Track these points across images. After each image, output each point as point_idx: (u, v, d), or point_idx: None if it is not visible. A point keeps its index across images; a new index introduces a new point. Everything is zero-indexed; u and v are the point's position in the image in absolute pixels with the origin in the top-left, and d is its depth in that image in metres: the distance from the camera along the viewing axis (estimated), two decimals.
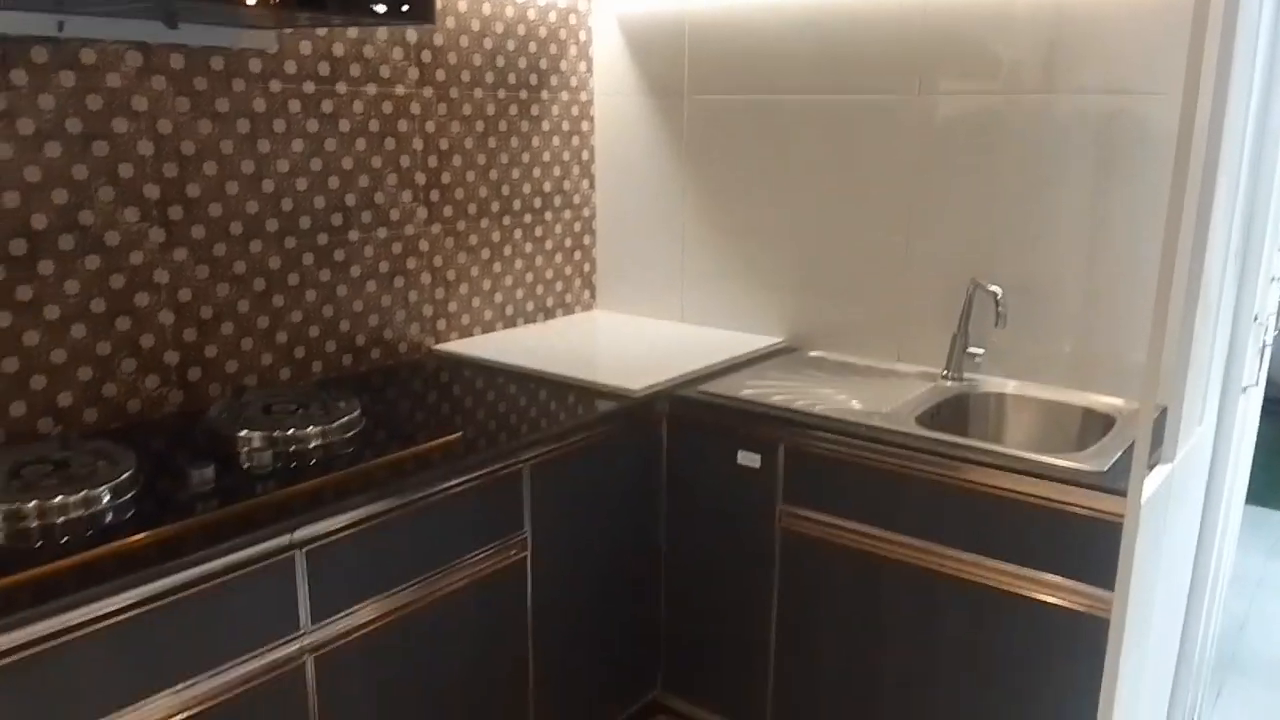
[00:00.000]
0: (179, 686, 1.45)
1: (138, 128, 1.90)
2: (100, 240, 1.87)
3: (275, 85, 2.11)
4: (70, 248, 1.82)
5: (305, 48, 2.16)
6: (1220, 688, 2.70)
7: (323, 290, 2.27)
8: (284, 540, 1.54)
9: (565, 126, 2.84)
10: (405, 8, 1.83)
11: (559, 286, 2.91)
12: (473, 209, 2.61)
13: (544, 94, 2.75)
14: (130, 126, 1.88)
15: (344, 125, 2.26)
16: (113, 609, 1.35)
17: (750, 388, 2.28)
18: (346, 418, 1.89)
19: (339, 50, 2.22)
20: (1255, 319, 2.13)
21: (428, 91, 2.44)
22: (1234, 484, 2.27)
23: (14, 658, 1.27)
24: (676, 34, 2.73)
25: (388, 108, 2.35)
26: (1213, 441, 2.18)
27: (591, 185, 2.95)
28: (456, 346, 2.57)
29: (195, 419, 1.95)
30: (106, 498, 1.52)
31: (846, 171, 2.50)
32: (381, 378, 2.34)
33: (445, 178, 2.52)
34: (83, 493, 1.50)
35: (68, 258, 1.82)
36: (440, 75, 2.46)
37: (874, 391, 2.26)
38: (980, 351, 2.32)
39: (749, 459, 2.18)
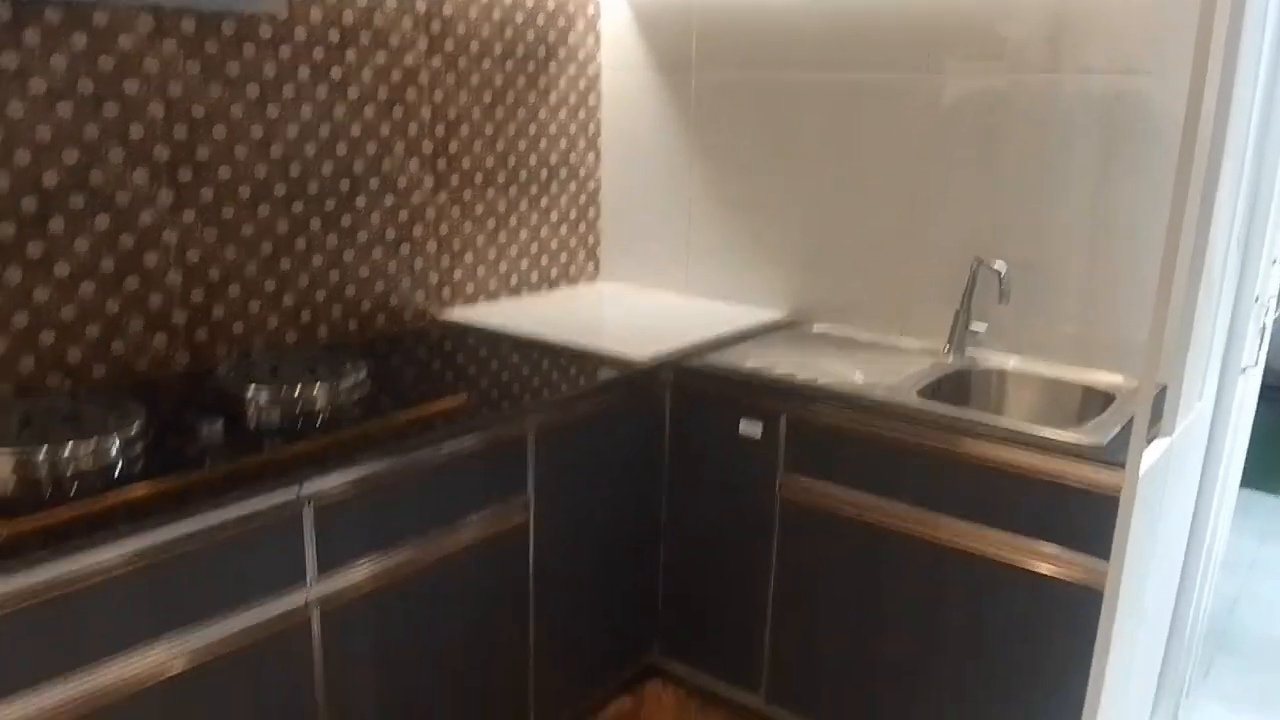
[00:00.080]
0: (188, 634, 1.48)
1: (148, 90, 1.90)
2: (110, 200, 1.88)
3: (285, 51, 2.12)
4: (80, 207, 1.84)
5: (315, 15, 2.16)
6: (1210, 666, 2.73)
7: (329, 256, 2.29)
8: (292, 494, 1.57)
9: (572, 99, 2.84)
10: None
11: (563, 257, 2.93)
12: (479, 178, 2.62)
13: (551, 66, 2.76)
14: (141, 88, 1.89)
15: (353, 93, 2.27)
16: (122, 556, 1.38)
17: (754, 359, 2.30)
18: (353, 379, 1.91)
19: (348, 18, 2.23)
20: (1256, 300, 2.15)
21: (436, 61, 2.44)
22: (1230, 462, 2.29)
23: (26, 603, 1.29)
24: (685, 9, 2.73)
25: (396, 76, 2.35)
26: (1210, 420, 2.21)
27: (597, 158, 2.96)
28: (461, 314, 2.58)
29: (202, 378, 1.97)
30: (117, 448, 1.54)
31: (853, 148, 2.51)
32: (387, 344, 2.36)
33: (452, 147, 2.53)
34: (93, 442, 1.52)
35: (78, 216, 1.84)
36: (449, 45, 2.47)
37: (877, 365, 2.28)
38: (983, 328, 2.33)
39: (751, 429, 2.20)
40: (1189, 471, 2.14)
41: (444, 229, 2.55)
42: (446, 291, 2.60)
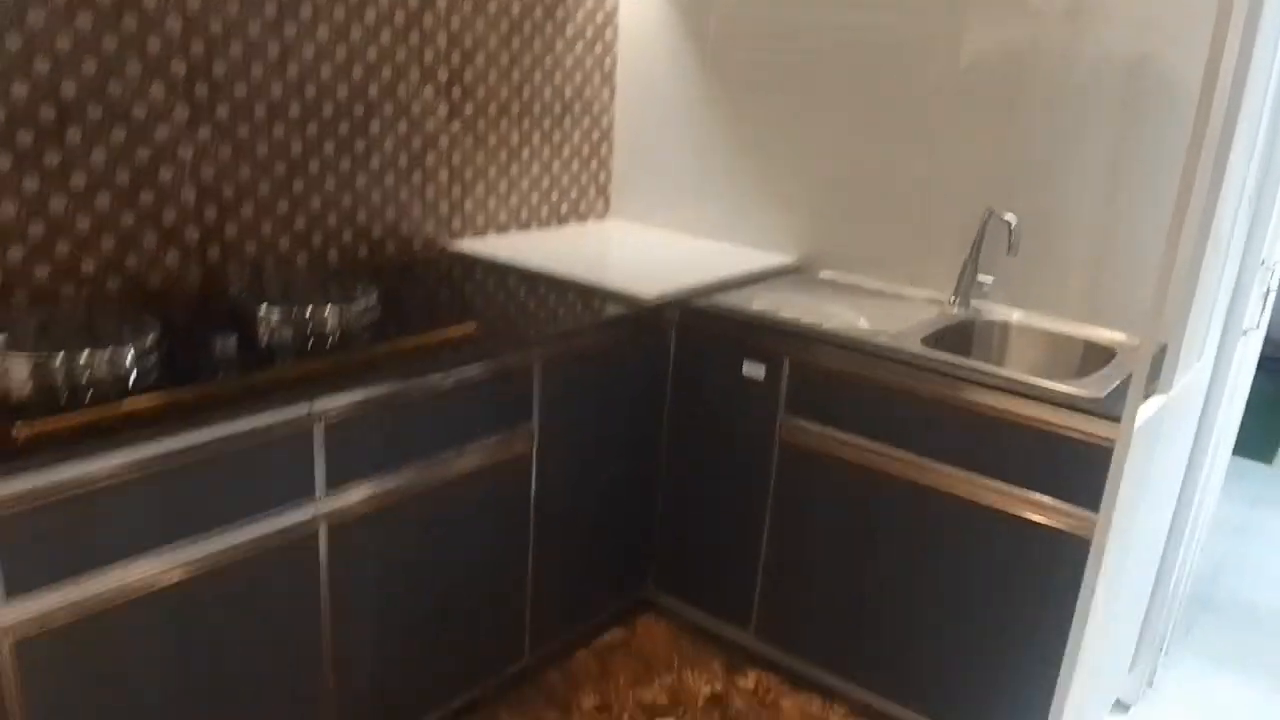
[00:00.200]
0: (198, 540, 1.52)
1: (167, 3, 1.89)
2: (127, 113, 1.88)
3: None
4: (98, 118, 1.84)
5: None
6: (1192, 625, 2.79)
7: (342, 179, 2.29)
8: (303, 410, 1.60)
9: (589, 33, 2.82)
10: None
11: (574, 193, 2.92)
12: (493, 109, 2.61)
13: None
14: (160, 1, 1.88)
15: (369, 16, 2.25)
16: (136, 462, 1.41)
17: (760, 302, 2.32)
18: (364, 303, 1.93)
19: None
20: (1263, 263, 2.16)
21: None
22: (1225, 424, 2.32)
23: (42, 501, 1.33)
24: None
25: (413, 1, 2.33)
26: (1209, 381, 2.23)
27: (612, 94, 2.94)
28: (471, 245, 2.59)
29: (215, 296, 1.99)
30: (131, 358, 1.57)
31: (870, 95, 2.49)
32: (396, 271, 2.38)
33: (468, 75, 2.51)
34: (109, 351, 1.54)
35: (95, 128, 1.84)
36: None
37: (882, 312, 2.29)
38: (989, 280, 2.35)
39: (754, 370, 2.22)
40: (1184, 430, 2.17)
41: (456, 158, 2.55)
42: (457, 222, 2.60)
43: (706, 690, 2.30)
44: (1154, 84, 2.11)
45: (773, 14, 2.62)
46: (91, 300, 1.88)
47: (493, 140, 2.63)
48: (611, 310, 2.21)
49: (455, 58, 2.47)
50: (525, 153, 2.73)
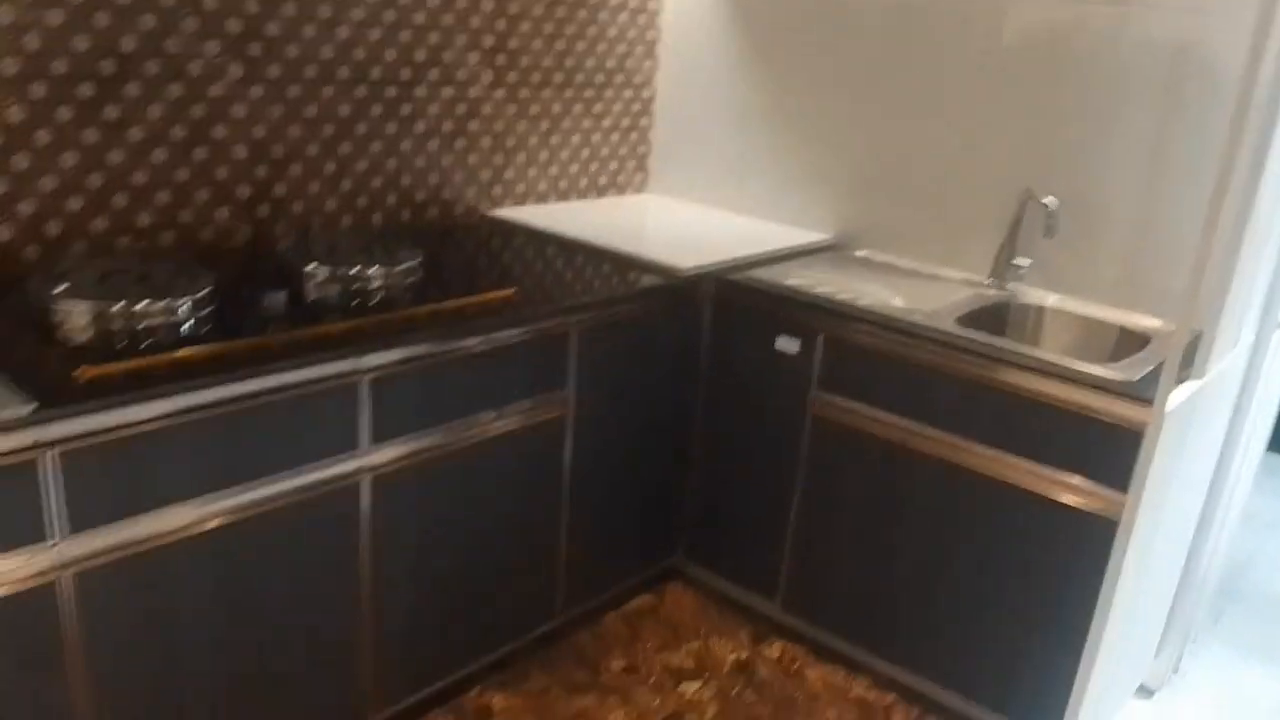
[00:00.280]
0: (246, 487, 1.57)
1: None
2: (183, 69, 1.92)
3: None
4: (155, 73, 1.88)
5: None
6: (1220, 615, 2.79)
7: (388, 143, 2.33)
8: (351, 366, 1.64)
9: (633, 3, 2.82)
10: None
11: (613, 165, 2.94)
12: (536, 78, 2.63)
13: None
14: None
15: None
16: (189, 407, 1.46)
17: (795, 278, 2.33)
18: (408, 264, 1.96)
19: None
20: None
21: None
22: (1259, 414, 2.31)
23: (99, 440, 1.38)
24: None
25: None
26: (1244, 370, 2.22)
27: (654, 66, 2.95)
28: (510, 213, 2.62)
29: (263, 253, 2.03)
30: (187, 309, 1.61)
31: (912, 73, 2.49)
32: (438, 235, 2.41)
33: (512, 43, 2.53)
34: (166, 302, 1.59)
35: (153, 83, 1.88)
36: None
37: (917, 292, 2.30)
38: (1026, 262, 2.35)
39: (788, 345, 2.24)
40: (1218, 417, 2.17)
41: (499, 126, 2.57)
42: (498, 190, 2.63)
43: (732, 658, 2.34)
44: (1197, 69, 2.09)
45: None
46: (147, 253, 1.92)
47: (535, 109, 2.65)
48: (647, 281, 2.24)
49: (500, 24, 2.49)
50: (566, 122, 2.75)
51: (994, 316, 2.29)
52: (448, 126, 2.45)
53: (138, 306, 1.57)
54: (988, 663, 2.08)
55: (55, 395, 1.33)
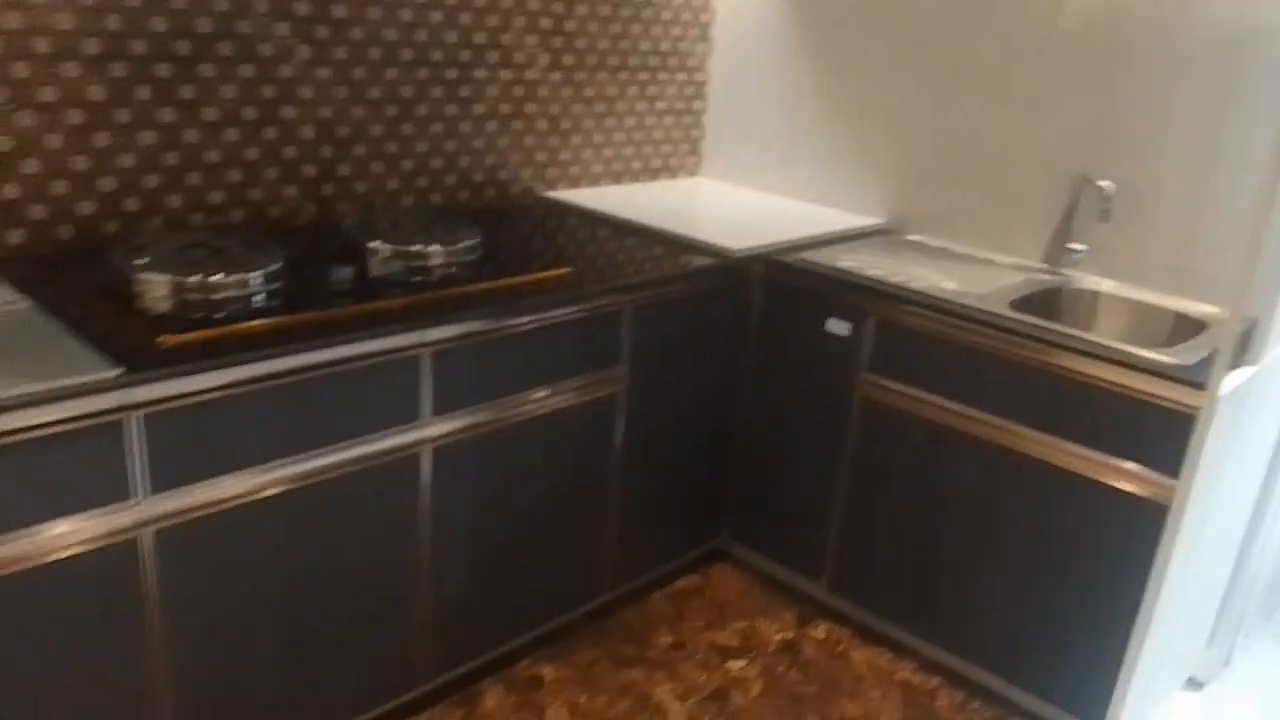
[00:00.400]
0: (313, 454, 1.63)
1: None
2: (255, 50, 1.98)
3: None
4: (229, 54, 1.95)
5: None
6: (1274, 610, 2.75)
7: (448, 124, 2.38)
8: (414, 339, 1.69)
9: None
10: None
11: (665, 149, 2.97)
12: (592, 60, 2.66)
13: None
14: None
15: None
16: (262, 375, 1.52)
17: (847, 260, 2.34)
18: (467, 243, 2.01)
19: None
20: None
21: None
22: None
23: (182, 405, 1.44)
24: None
25: None
26: None
27: (708, 50, 2.97)
28: (564, 195, 2.66)
29: (327, 231, 2.09)
30: (259, 282, 1.68)
31: (966, 56, 2.48)
32: (494, 216, 2.46)
33: (569, 25, 2.57)
34: (238, 275, 1.65)
35: (226, 64, 1.95)
36: None
37: (969, 276, 2.30)
38: (1081, 248, 2.34)
39: (839, 327, 2.26)
40: (1272, 406, 2.15)
41: (555, 109, 2.61)
42: (552, 172, 2.67)
43: (778, 638, 2.37)
44: (1259, 56, 2.06)
45: None
46: (218, 229, 1.99)
47: (590, 92, 2.69)
48: (699, 262, 2.26)
49: (558, 7, 2.52)
50: (620, 105, 2.78)
51: (1047, 301, 2.28)
52: (505, 108, 2.49)
53: (213, 279, 1.63)
54: (1034, 648, 2.09)
55: (139, 361, 1.39)
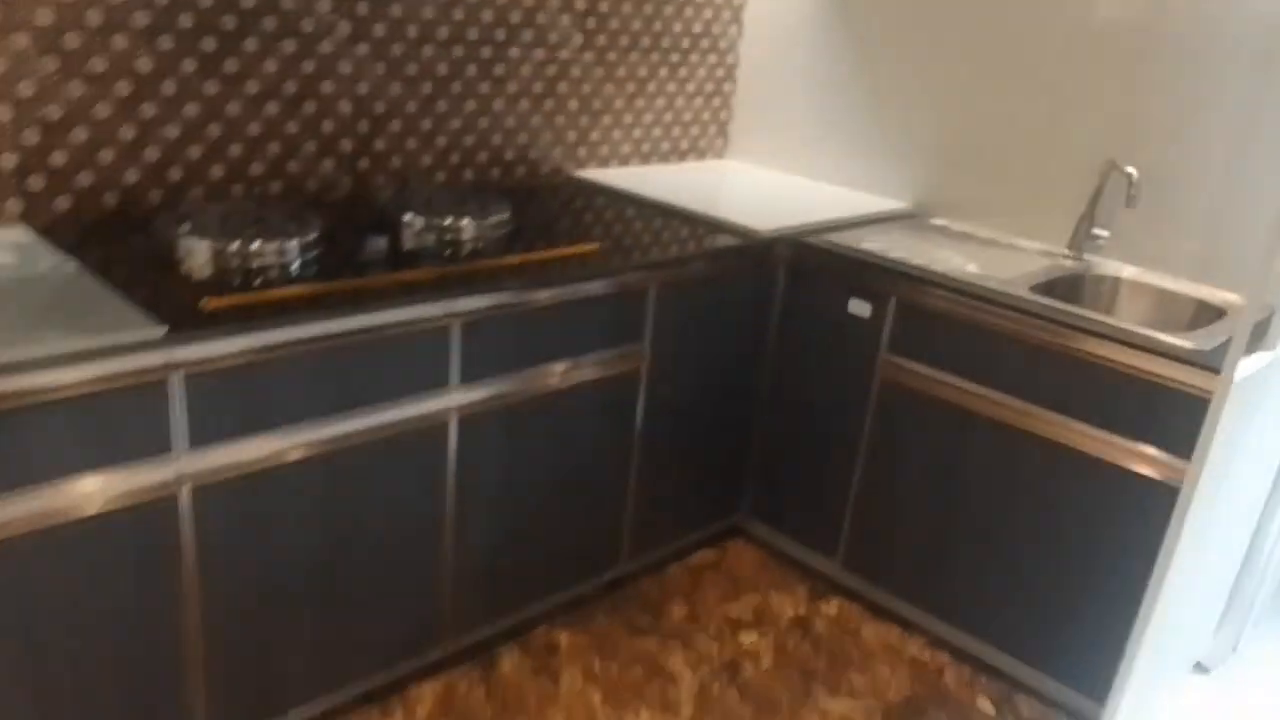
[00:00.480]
0: (347, 415, 1.69)
1: None
2: (296, 26, 2.04)
3: None
4: (272, 29, 2.01)
5: None
6: None
7: (481, 102, 2.43)
8: (444, 308, 1.75)
9: None
10: None
11: (694, 130, 3.00)
12: (624, 41, 2.70)
13: None
14: None
15: None
16: (298, 339, 1.59)
17: (870, 243, 2.37)
18: (498, 218, 2.07)
19: None
20: None
21: None
22: None
23: (223, 366, 1.51)
24: None
25: None
26: None
27: (739, 31, 2.99)
28: (594, 174, 2.71)
29: (364, 204, 2.15)
30: (296, 250, 1.74)
31: (996, 40, 2.50)
32: (525, 193, 2.51)
33: (603, 6, 2.60)
34: (277, 243, 1.72)
35: (269, 38, 2.01)
36: None
37: (992, 260, 2.33)
38: (1105, 234, 2.35)
39: (860, 308, 2.29)
40: None
41: (586, 89, 2.65)
42: (582, 151, 2.72)
43: (790, 613, 2.42)
44: None
45: None
46: (258, 200, 2.06)
47: (621, 72, 2.72)
48: (725, 241, 2.30)
49: None
50: (651, 86, 2.82)
51: (1070, 286, 2.30)
52: (538, 88, 2.54)
53: (253, 246, 1.70)
54: (1042, 626, 2.12)
55: (183, 322, 1.46)
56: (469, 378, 1.85)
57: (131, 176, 1.92)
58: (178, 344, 1.44)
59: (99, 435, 1.42)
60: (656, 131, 2.90)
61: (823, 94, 2.88)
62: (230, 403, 1.54)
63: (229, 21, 1.94)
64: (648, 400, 2.24)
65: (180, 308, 1.51)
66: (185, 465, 1.52)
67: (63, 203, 1.85)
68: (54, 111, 1.79)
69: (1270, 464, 2.24)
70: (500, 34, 2.40)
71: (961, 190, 2.64)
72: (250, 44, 1.98)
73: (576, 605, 2.34)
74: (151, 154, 1.93)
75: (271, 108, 2.05)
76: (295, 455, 1.65)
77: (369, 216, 2.04)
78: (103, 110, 1.85)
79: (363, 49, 2.16)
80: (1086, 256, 2.37)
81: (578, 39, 2.58)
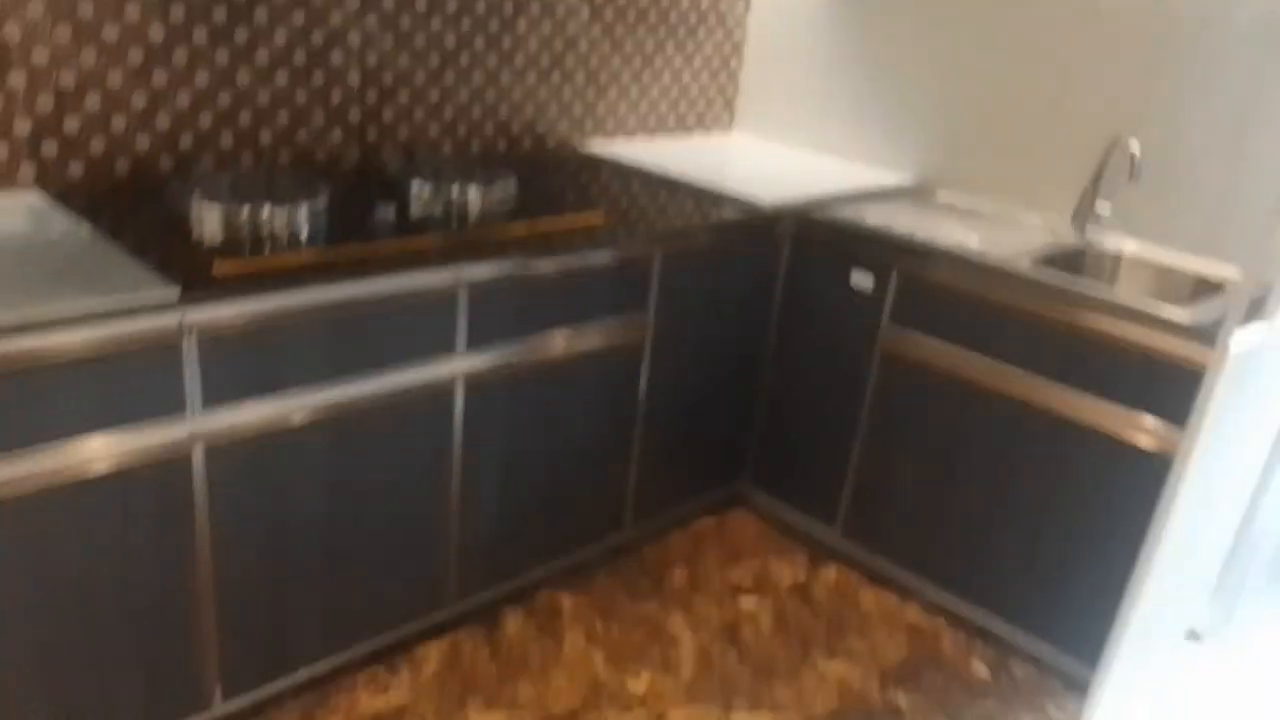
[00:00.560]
0: (356, 379, 1.73)
1: None
2: None
3: None
4: (282, 0, 2.03)
5: None
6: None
7: (488, 75, 2.45)
8: (451, 274, 1.78)
9: None
10: None
11: (700, 104, 3.02)
12: (632, 15, 2.71)
13: None
14: None
15: None
16: (310, 304, 1.62)
17: (875, 217, 2.39)
18: (503, 188, 2.09)
19: None
20: None
21: None
22: None
23: (235, 328, 1.55)
24: None
25: None
26: None
27: (746, 6, 3.00)
28: (600, 147, 2.73)
29: (373, 173, 2.18)
30: (306, 216, 1.77)
31: (1003, 16, 2.50)
32: (531, 165, 2.53)
33: None
34: (287, 208, 1.75)
35: (279, 9, 2.03)
36: None
37: (995, 234, 2.35)
38: (1108, 209, 2.37)
39: (863, 280, 2.32)
40: None
41: (594, 62, 2.67)
42: (589, 124, 2.74)
43: (790, 579, 2.46)
44: None
45: None
46: (268, 169, 2.09)
47: (628, 46, 2.74)
48: (729, 214, 2.33)
49: None
50: (658, 60, 2.83)
51: (1071, 260, 2.32)
52: (545, 60, 2.56)
53: (264, 212, 1.73)
54: (1037, 592, 2.16)
55: (196, 285, 1.50)
56: (475, 345, 1.88)
57: (143, 144, 1.95)
58: (191, 305, 1.48)
59: (116, 395, 1.46)
60: (663, 105, 2.91)
61: (828, 69, 2.89)
62: (242, 365, 1.58)
63: None
64: (651, 370, 2.28)
65: (193, 271, 1.54)
66: (198, 425, 1.56)
67: (75, 169, 1.88)
68: (67, 79, 1.82)
69: (1267, 435, 2.26)
70: (508, 7, 2.42)
71: (966, 165, 2.66)
72: (260, 14, 2.01)
73: (579, 570, 2.38)
74: (162, 122, 1.96)
75: (281, 77, 2.08)
76: (305, 418, 1.69)
77: (377, 185, 2.07)
78: (115, 78, 1.87)
79: (371, 20, 2.18)
80: (1089, 230, 2.39)
81: (585, 12, 2.59)
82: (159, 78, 1.93)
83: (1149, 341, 1.91)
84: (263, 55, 2.04)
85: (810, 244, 2.42)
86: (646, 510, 2.47)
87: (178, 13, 1.91)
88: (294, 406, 1.67)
